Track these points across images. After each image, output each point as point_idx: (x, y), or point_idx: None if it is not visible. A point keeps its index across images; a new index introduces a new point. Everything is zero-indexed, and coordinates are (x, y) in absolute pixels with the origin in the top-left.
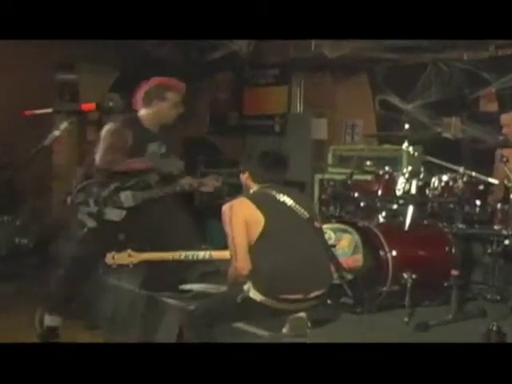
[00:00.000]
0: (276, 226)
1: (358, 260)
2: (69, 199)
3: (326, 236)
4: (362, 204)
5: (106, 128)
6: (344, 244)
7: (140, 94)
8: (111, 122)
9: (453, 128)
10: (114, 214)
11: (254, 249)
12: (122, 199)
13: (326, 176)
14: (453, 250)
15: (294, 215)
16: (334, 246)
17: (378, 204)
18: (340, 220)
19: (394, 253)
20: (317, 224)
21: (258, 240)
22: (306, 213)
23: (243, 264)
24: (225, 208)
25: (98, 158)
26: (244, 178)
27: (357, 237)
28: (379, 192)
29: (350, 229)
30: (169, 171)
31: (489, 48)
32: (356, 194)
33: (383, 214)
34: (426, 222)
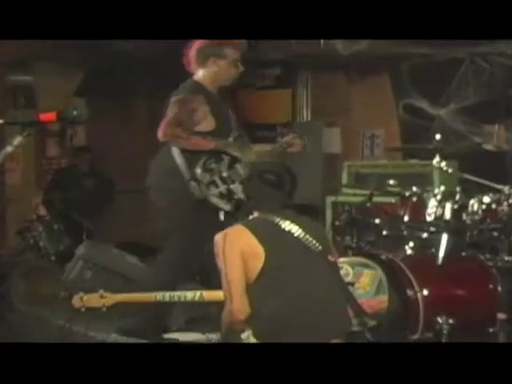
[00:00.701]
0: (280, 261)
1: (382, 301)
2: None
3: (343, 272)
4: (384, 232)
5: (172, 99)
6: (365, 282)
7: (192, 53)
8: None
9: (496, 138)
10: (240, 191)
11: (253, 288)
12: (240, 172)
13: (341, 198)
14: (498, 288)
15: (303, 247)
16: (352, 284)
17: (405, 232)
18: (359, 252)
19: (426, 292)
20: (331, 258)
21: (258, 277)
22: (317, 244)
23: (240, 307)
24: (217, 237)
25: (159, 131)
26: None
27: (380, 273)
28: (406, 217)
29: (371, 263)
30: (238, 156)
31: None
32: (377, 221)
33: (411, 244)
34: (463, 253)
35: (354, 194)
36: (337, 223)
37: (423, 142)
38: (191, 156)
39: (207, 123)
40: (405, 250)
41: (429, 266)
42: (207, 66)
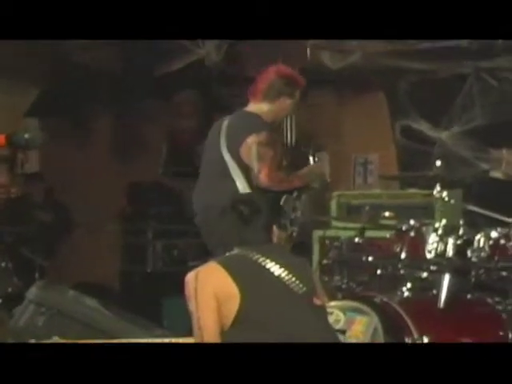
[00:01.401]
0: (257, 304)
1: None
2: None
3: (333, 318)
4: (378, 271)
5: (255, 139)
6: (357, 329)
7: (263, 86)
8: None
9: (504, 165)
10: None
11: (228, 335)
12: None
13: (329, 233)
14: (510, 336)
15: (284, 289)
16: (343, 332)
17: (402, 271)
18: (349, 294)
19: (426, 340)
20: (317, 301)
21: (234, 323)
22: (301, 285)
23: None
24: (189, 277)
25: (262, 176)
26: None
27: (375, 319)
28: (403, 255)
29: (365, 308)
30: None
31: None
32: (370, 258)
33: (409, 285)
34: (469, 296)
35: (345, 228)
36: (325, 261)
37: (423, 170)
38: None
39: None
40: (402, 292)
41: (429, 311)
42: (276, 103)
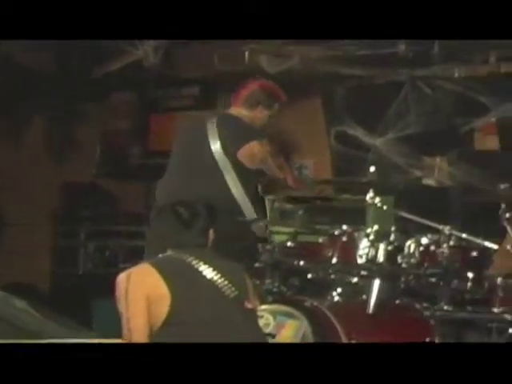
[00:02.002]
0: (188, 307)
1: None
2: None
3: (263, 322)
4: (309, 276)
5: (259, 147)
6: (287, 334)
7: (246, 93)
8: (253, 139)
9: (437, 172)
10: None
11: (158, 337)
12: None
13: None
14: (436, 341)
15: (216, 292)
16: (273, 335)
17: (333, 276)
18: (280, 298)
19: None
20: (249, 305)
21: (164, 325)
22: (233, 289)
23: None
24: (120, 278)
25: (290, 179)
26: None
27: (306, 324)
28: (334, 259)
29: (296, 312)
30: None
31: (489, 60)
32: (302, 262)
33: (339, 289)
34: (397, 301)
35: (278, 233)
36: (256, 265)
37: (357, 175)
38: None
39: None
40: (332, 297)
41: (358, 315)
42: (253, 111)
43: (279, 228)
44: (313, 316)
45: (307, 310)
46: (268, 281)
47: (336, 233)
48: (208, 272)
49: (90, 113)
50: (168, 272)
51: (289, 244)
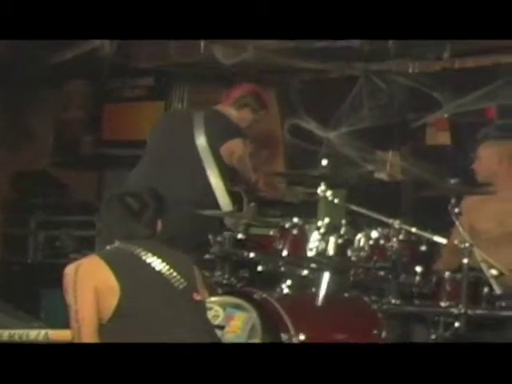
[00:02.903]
0: (136, 299)
1: None
2: None
3: (212, 314)
4: (259, 268)
5: (242, 146)
6: (236, 325)
7: (236, 93)
8: (237, 137)
9: (389, 166)
10: None
11: (106, 329)
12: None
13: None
14: (383, 335)
15: (164, 283)
16: (222, 327)
17: (283, 268)
18: (229, 290)
19: (302, 337)
20: (197, 296)
21: (112, 317)
22: (182, 280)
23: None
24: (68, 270)
25: (263, 184)
26: None
27: (254, 315)
28: (284, 252)
29: (245, 304)
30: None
31: (443, 55)
32: (252, 254)
33: (289, 282)
34: (346, 294)
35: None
36: (206, 256)
37: (309, 168)
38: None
39: None
40: (282, 289)
41: (307, 308)
42: (240, 111)
43: (230, 220)
44: (262, 308)
45: (256, 301)
46: (218, 273)
47: (287, 225)
48: (156, 264)
49: (43, 101)
50: (116, 264)
51: (239, 236)
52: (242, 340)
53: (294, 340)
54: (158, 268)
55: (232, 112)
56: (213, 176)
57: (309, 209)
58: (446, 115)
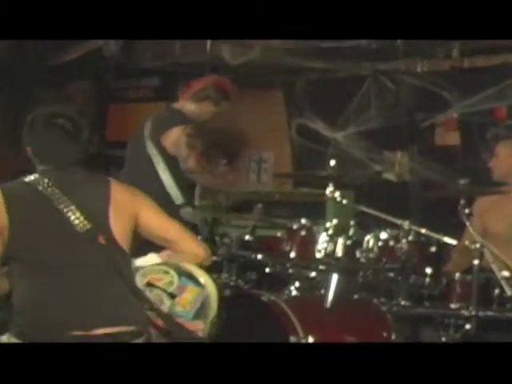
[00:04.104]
0: (26, 239)
1: (199, 329)
2: None
3: (167, 279)
4: (267, 270)
5: (181, 131)
6: (186, 298)
7: (195, 87)
8: (176, 125)
9: (397, 167)
10: None
11: None
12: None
13: (220, 230)
14: (392, 337)
15: (64, 223)
16: (173, 296)
17: (291, 270)
18: (237, 291)
19: (311, 339)
20: (103, 240)
21: (4, 255)
22: (85, 221)
23: None
24: None
25: (193, 161)
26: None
27: (206, 293)
28: (292, 254)
29: (201, 279)
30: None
31: (452, 54)
32: (260, 256)
33: (297, 284)
34: (355, 296)
35: (236, 226)
36: (214, 258)
37: (317, 169)
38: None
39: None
40: (290, 291)
41: (316, 310)
42: (200, 104)
43: (237, 221)
44: (268, 310)
45: (264, 304)
46: (225, 275)
47: (295, 227)
48: (58, 199)
49: (47, 100)
50: (13, 196)
51: (247, 238)
52: (189, 317)
53: (303, 342)
54: (55, 203)
55: (188, 107)
56: (161, 170)
57: (317, 210)
58: (455, 115)
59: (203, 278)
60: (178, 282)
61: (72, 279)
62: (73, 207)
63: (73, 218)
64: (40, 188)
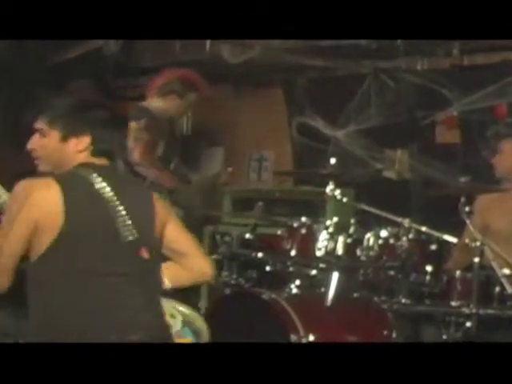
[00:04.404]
0: (75, 241)
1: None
2: None
3: (170, 321)
4: (267, 268)
5: (134, 125)
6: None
7: (159, 82)
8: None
9: (398, 165)
10: None
11: (32, 268)
12: None
13: (221, 228)
14: (393, 335)
15: (111, 227)
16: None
17: (291, 268)
18: (238, 289)
19: (312, 337)
20: (145, 254)
21: (43, 256)
22: (134, 230)
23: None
24: (23, 185)
25: (135, 153)
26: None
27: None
28: (292, 252)
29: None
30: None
31: (452, 52)
32: (260, 254)
33: (297, 282)
34: (356, 294)
35: (236, 224)
36: (215, 256)
37: (317, 167)
38: None
39: (158, 150)
40: (290, 289)
41: (316, 308)
42: (165, 99)
43: (238, 219)
44: (269, 308)
45: (265, 302)
46: (225, 273)
47: (295, 225)
48: (111, 202)
49: (45, 101)
50: (70, 195)
51: (247, 236)
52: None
53: (304, 341)
54: (108, 206)
55: (156, 102)
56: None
57: (317, 208)
58: (455, 113)
59: (205, 334)
60: (178, 329)
61: (110, 288)
62: (123, 212)
63: (121, 223)
64: (93, 182)
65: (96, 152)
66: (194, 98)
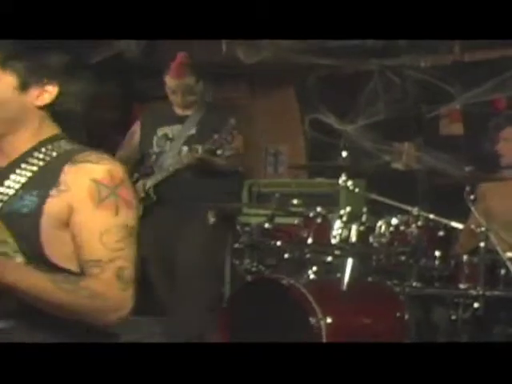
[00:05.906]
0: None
1: None
2: None
3: None
4: (286, 255)
5: None
6: None
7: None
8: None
9: (405, 156)
10: None
11: None
12: None
13: (241, 219)
14: (405, 316)
15: None
16: None
17: (308, 255)
18: (258, 276)
19: (329, 320)
20: None
21: None
22: None
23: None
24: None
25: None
26: None
27: None
28: (309, 240)
29: None
30: None
31: (453, 49)
32: (279, 243)
33: (314, 268)
34: (370, 278)
35: (256, 215)
36: (236, 245)
37: (330, 160)
38: None
39: None
40: (308, 275)
41: (333, 292)
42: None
43: (257, 210)
44: (288, 293)
45: (284, 287)
46: (247, 261)
47: (311, 215)
48: None
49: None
50: None
51: (266, 225)
52: None
53: (322, 323)
54: None
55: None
56: None
57: (331, 198)
58: (458, 106)
59: None
60: None
61: None
62: None
63: None
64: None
65: None
66: (169, 81)
